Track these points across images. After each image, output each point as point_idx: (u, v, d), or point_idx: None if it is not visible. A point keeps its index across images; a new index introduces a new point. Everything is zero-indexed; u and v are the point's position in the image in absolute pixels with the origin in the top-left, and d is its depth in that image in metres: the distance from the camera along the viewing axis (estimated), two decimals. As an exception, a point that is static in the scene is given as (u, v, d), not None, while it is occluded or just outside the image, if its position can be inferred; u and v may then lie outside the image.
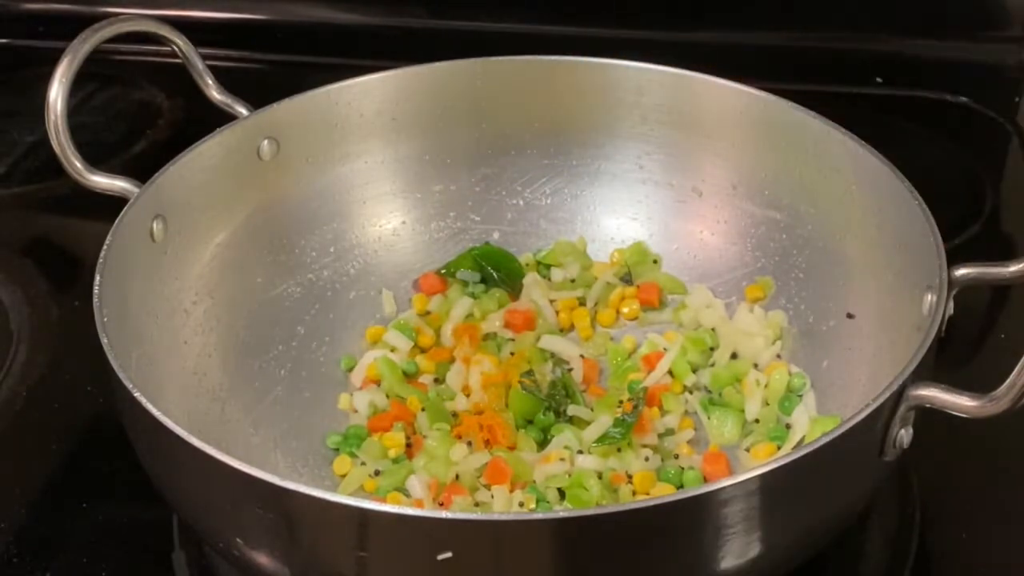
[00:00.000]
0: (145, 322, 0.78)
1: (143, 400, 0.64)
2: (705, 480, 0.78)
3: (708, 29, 1.22)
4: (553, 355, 0.87)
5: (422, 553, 0.59)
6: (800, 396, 0.82)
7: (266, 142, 0.87)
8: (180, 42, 0.86)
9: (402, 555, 0.60)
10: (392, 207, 0.94)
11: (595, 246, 0.95)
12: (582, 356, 0.87)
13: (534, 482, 0.77)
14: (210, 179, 0.84)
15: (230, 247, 0.86)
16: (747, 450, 0.80)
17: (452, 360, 0.87)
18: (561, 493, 0.76)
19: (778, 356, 0.85)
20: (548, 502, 0.75)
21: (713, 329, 0.87)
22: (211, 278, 0.84)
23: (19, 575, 0.75)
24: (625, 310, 0.91)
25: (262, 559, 0.64)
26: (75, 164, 0.80)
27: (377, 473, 0.79)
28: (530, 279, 0.92)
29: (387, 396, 0.84)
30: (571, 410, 0.82)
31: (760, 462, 0.75)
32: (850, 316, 0.83)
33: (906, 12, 1.19)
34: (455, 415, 0.83)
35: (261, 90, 0.90)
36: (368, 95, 0.91)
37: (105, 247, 0.74)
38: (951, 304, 0.70)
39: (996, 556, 0.75)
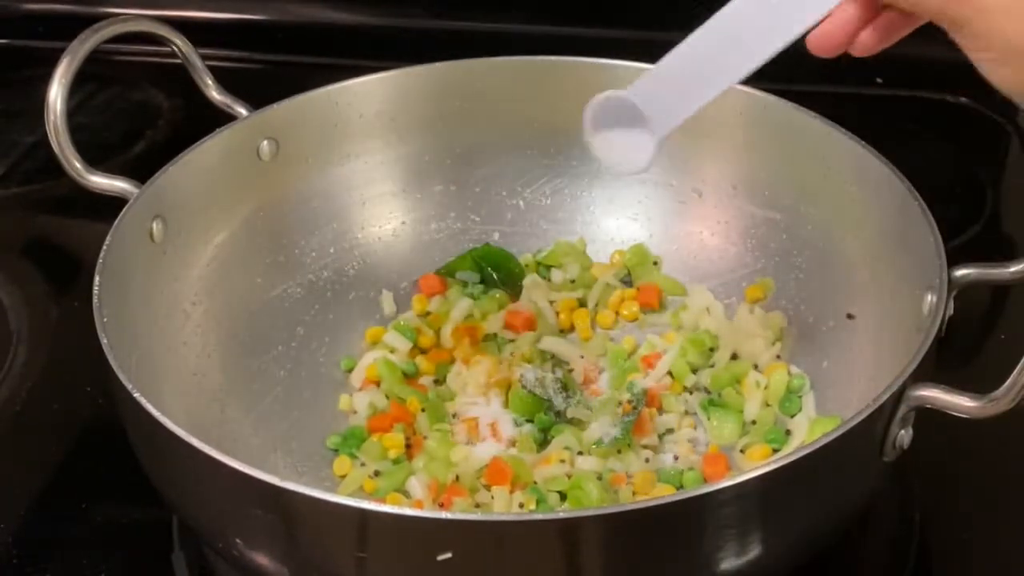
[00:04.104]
0: (145, 322, 0.78)
1: (143, 400, 0.64)
2: (705, 481, 0.78)
3: (708, 29, 1.22)
4: (553, 356, 0.87)
5: (422, 553, 0.59)
6: (800, 397, 0.82)
7: (266, 142, 0.87)
8: (180, 42, 0.86)
9: (402, 556, 0.60)
10: (392, 207, 0.94)
11: (595, 247, 0.94)
12: (582, 357, 0.87)
13: (535, 483, 0.77)
14: (210, 179, 0.84)
15: (230, 247, 0.86)
16: (742, 451, 0.80)
17: (452, 361, 0.87)
18: (562, 495, 0.76)
19: (778, 357, 0.85)
20: (548, 503, 0.75)
21: (713, 330, 0.87)
22: (211, 278, 0.84)
23: (19, 575, 0.75)
24: (624, 312, 0.91)
25: (262, 559, 0.64)
26: (75, 164, 0.80)
27: (377, 474, 0.79)
28: (530, 280, 0.92)
29: (387, 397, 0.84)
30: (571, 411, 0.82)
31: (755, 464, 0.75)
32: (850, 316, 0.83)
33: (906, 12, 1.19)
34: (455, 416, 0.83)
35: (261, 90, 0.90)
36: (368, 95, 0.91)
37: (105, 247, 0.74)
38: (951, 304, 0.70)
39: (996, 556, 0.75)
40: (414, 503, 0.76)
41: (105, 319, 0.69)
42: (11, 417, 0.87)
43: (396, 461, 0.80)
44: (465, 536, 0.58)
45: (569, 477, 0.77)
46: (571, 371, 0.86)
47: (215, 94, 0.88)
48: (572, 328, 0.90)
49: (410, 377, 0.86)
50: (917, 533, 0.77)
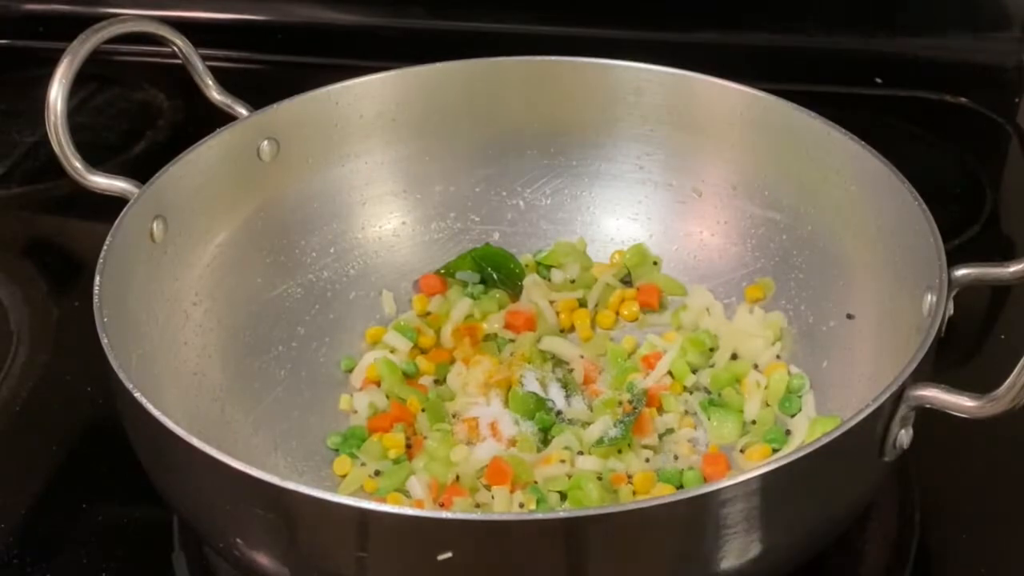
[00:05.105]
0: (145, 322, 0.78)
1: (143, 400, 0.64)
2: (705, 481, 0.78)
3: (708, 29, 1.22)
4: (553, 356, 0.87)
5: (422, 553, 0.59)
6: (800, 397, 0.82)
7: (266, 142, 0.87)
8: (180, 43, 0.86)
9: (402, 555, 0.60)
10: (392, 208, 0.94)
11: (595, 247, 0.95)
12: (582, 357, 0.87)
13: (535, 483, 0.77)
14: (210, 179, 0.84)
15: (230, 247, 0.86)
16: (742, 451, 0.80)
17: (452, 361, 0.87)
18: (562, 495, 0.76)
19: (778, 357, 0.85)
20: (548, 503, 0.75)
21: (713, 330, 0.87)
22: (211, 278, 0.84)
23: (19, 575, 0.75)
24: (624, 312, 0.91)
25: (262, 559, 0.64)
26: (75, 165, 0.80)
27: (377, 474, 0.79)
28: (530, 280, 0.92)
29: (387, 397, 0.84)
30: (571, 411, 0.82)
31: (755, 463, 0.75)
32: (850, 316, 0.83)
33: (906, 12, 1.19)
34: (455, 416, 0.83)
35: (261, 90, 0.90)
36: (368, 95, 0.91)
37: (105, 247, 0.74)
38: (951, 304, 0.70)
39: (996, 556, 0.75)
40: (414, 503, 0.76)
41: (105, 319, 0.69)
42: (11, 417, 0.87)
43: (396, 461, 0.80)
44: (465, 536, 0.58)
45: (569, 477, 0.77)
46: (571, 371, 0.86)
47: (215, 94, 0.88)
48: (572, 328, 0.90)
49: (410, 377, 0.86)
50: (917, 533, 0.77)
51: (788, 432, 0.80)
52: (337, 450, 0.81)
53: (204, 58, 0.88)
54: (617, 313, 0.91)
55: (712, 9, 1.22)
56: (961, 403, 0.63)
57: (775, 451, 0.79)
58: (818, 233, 0.86)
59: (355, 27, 1.28)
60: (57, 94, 0.78)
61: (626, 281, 0.93)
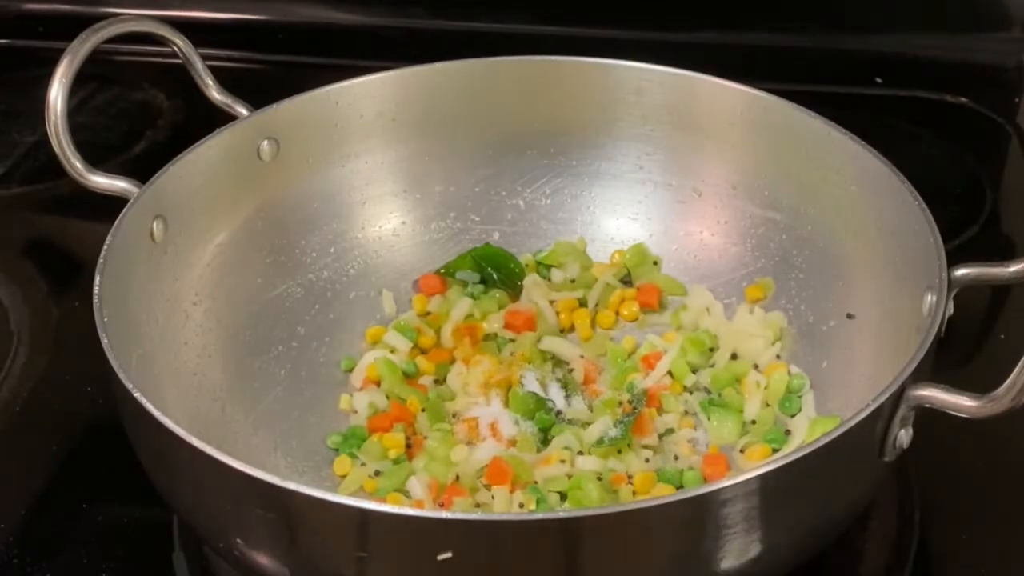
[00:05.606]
0: (145, 322, 0.78)
1: (143, 400, 0.64)
2: (705, 481, 0.78)
3: (708, 29, 1.22)
4: (553, 356, 0.87)
5: (422, 553, 0.59)
6: (800, 397, 0.82)
7: (266, 142, 0.87)
8: (180, 42, 0.86)
9: (402, 555, 0.61)
10: (392, 208, 0.94)
11: (595, 246, 0.95)
12: (582, 357, 0.87)
13: (535, 483, 0.77)
14: (210, 179, 0.84)
15: (230, 247, 0.86)
16: (742, 451, 0.80)
17: (452, 361, 0.87)
18: (562, 495, 0.76)
19: (778, 357, 0.85)
20: (548, 503, 0.75)
21: (713, 330, 0.87)
22: (211, 278, 0.84)
23: (19, 575, 0.75)
24: (624, 312, 0.91)
25: (262, 559, 0.64)
26: (75, 164, 0.80)
27: (377, 474, 0.79)
28: (530, 280, 0.92)
29: (387, 397, 0.84)
30: (571, 411, 0.82)
31: (754, 463, 0.75)
32: (850, 316, 0.83)
33: (906, 12, 1.19)
34: (455, 416, 0.83)
35: (261, 90, 0.90)
36: (368, 95, 0.91)
37: (105, 247, 0.74)
38: (951, 304, 0.70)
39: (996, 556, 0.75)
40: (414, 503, 0.76)
41: (105, 319, 0.69)
42: (12, 417, 0.87)
43: (396, 461, 0.80)
44: (465, 536, 0.58)
45: (569, 477, 0.77)
46: (571, 371, 0.86)
47: (215, 94, 0.88)
48: (572, 328, 0.90)
49: (410, 377, 0.86)
50: (917, 533, 0.77)
51: (788, 432, 0.80)
52: (337, 450, 0.81)
53: (204, 58, 0.88)
54: (617, 313, 0.91)
55: (712, 9, 1.22)
56: (961, 403, 0.63)
57: (775, 451, 0.79)
58: (818, 233, 0.86)
59: (355, 27, 1.28)
60: (57, 94, 0.78)
61: (626, 281, 0.93)
